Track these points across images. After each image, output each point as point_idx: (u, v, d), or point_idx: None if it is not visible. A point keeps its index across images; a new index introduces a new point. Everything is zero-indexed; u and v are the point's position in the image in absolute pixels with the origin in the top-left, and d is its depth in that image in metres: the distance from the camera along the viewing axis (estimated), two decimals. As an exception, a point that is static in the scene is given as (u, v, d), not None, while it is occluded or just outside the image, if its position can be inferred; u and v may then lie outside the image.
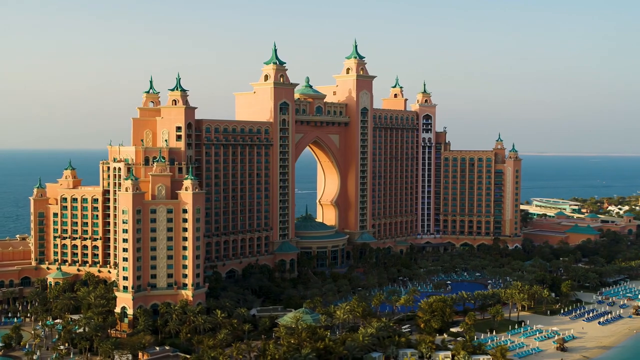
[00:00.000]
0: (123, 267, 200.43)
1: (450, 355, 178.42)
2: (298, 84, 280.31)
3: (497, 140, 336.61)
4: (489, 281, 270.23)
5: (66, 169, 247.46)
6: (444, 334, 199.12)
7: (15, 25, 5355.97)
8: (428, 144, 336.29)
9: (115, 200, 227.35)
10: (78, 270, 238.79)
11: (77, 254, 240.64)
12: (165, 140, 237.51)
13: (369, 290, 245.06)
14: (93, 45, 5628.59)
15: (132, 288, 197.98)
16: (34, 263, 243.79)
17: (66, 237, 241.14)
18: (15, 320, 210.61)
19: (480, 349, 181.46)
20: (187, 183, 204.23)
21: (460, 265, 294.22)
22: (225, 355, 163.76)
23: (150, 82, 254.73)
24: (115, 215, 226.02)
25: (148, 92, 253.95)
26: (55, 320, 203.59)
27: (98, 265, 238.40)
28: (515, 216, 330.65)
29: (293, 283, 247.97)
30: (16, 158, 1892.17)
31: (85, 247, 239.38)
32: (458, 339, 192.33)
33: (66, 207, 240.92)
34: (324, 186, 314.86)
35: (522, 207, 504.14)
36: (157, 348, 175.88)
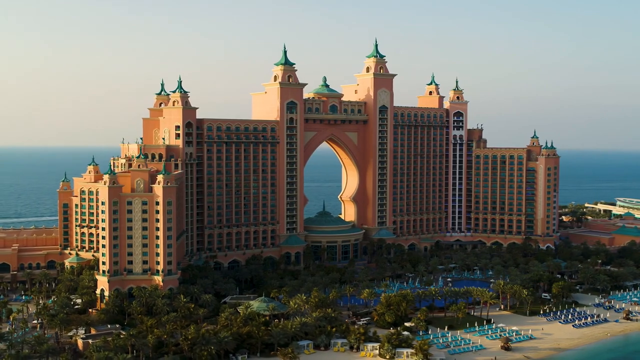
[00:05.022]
0: (102, 253, 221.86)
1: (378, 347, 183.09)
2: (307, 84, 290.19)
3: (532, 137, 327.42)
4: (492, 280, 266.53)
5: (90, 165, 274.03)
6: (398, 328, 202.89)
7: (28, 25, 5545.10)
8: (459, 142, 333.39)
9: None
10: (93, 255, 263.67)
11: (92, 241, 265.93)
12: (163, 139, 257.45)
13: (359, 283, 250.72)
14: (123, 46, 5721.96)
15: (108, 272, 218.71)
16: (59, 249, 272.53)
17: (84, 226, 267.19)
18: (20, 297, 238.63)
19: (406, 342, 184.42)
20: (160, 178, 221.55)
21: (475, 263, 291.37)
22: (155, 334, 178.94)
23: (162, 84, 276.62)
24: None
25: (159, 93, 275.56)
26: (54, 299, 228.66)
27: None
28: (548, 215, 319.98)
29: (281, 275, 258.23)
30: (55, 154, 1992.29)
31: (99, 235, 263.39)
32: (409, 333, 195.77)
33: (85, 199, 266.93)
34: (346, 183, 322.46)
35: (605, 207, 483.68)
36: (109, 325, 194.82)
